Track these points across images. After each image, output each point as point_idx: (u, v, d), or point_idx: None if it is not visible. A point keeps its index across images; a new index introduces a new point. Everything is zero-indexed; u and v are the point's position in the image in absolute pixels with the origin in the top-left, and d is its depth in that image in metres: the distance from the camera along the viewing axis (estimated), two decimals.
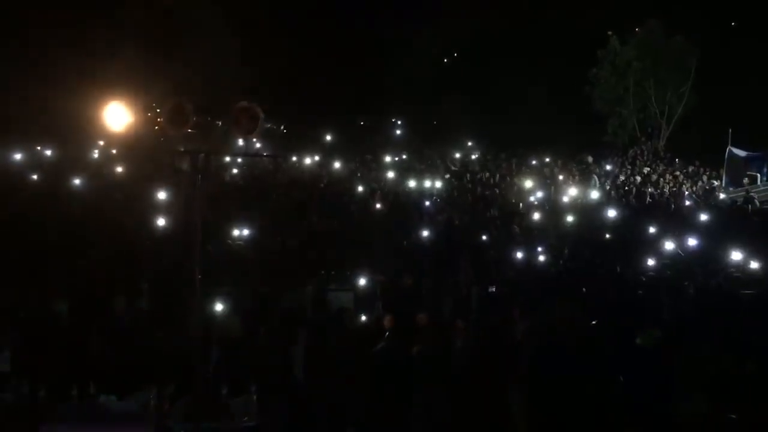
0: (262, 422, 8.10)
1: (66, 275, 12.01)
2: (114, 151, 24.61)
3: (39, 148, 25.67)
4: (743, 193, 22.64)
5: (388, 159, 28.08)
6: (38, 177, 21.16)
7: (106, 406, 8.15)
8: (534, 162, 28.60)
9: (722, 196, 23.52)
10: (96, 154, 25.65)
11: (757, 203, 21.79)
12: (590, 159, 29.72)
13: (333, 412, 8.62)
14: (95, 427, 7.83)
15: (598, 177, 25.71)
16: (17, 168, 22.76)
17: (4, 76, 24.98)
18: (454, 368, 9.12)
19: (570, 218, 18.04)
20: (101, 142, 25.11)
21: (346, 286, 12.34)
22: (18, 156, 23.99)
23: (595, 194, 22.69)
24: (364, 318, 10.98)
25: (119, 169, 22.61)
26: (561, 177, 25.75)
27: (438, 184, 22.96)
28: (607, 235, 16.59)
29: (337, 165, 25.82)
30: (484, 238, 15.68)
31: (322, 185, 22.54)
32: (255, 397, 8.40)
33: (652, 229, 16.16)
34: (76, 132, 21.26)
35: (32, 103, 23.27)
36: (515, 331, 9.93)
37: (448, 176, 25.24)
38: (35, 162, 23.87)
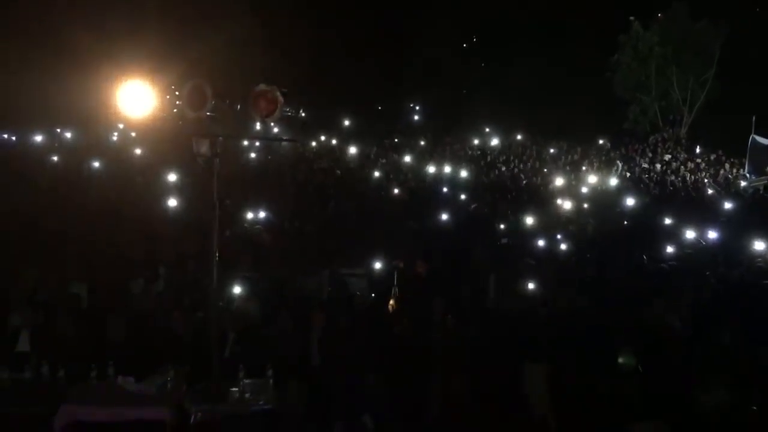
0: (279, 406, 8.11)
1: (85, 258, 12.10)
2: (133, 134, 24.74)
3: (59, 130, 25.89)
4: (766, 181, 22.31)
5: (405, 144, 28.01)
6: (58, 160, 21.34)
7: (124, 388, 8.18)
8: (553, 149, 28.38)
9: (744, 184, 23.20)
10: (115, 137, 25.83)
11: None
12: (608, 145, 29.49)
13: (349, 396, 8.61)
14: (113, 407, 7.87)
15: (621, 163, 25.46)
16: (37, 150, 22.97)
17: (23, 58, 25.10)
18: (470, 354, 9.08)
19: (590, 206, 17.89)
20: (121, 125, 25.24)
21: (361, 272, 12.31)
22: (38, 138, 24.22)
23: (614, 181, 22.49)
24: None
25: (138, 153, 22.76)
26: (581, 164, 25.57)
27: (456, 170, 22.84)
28: (628, 224, 16.45)
29: (354, 150, 25.79)
30: (502, 225, 15.61)
31: (338, 170, 22.54)
32: (271, 380, 8.40)
33: (673, 218, 15.97)
34: (95, 115, 21.34)
35: (51, 86, 23.37)
36: (534, 319, 9.87)
37: (467, 163, 25.10)
38: (55, 145, 24.08)
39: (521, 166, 25.06)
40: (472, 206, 17.81)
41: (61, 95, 23.38)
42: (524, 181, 22.52)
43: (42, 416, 7.69)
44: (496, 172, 24.30)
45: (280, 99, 6.24)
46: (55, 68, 23.22)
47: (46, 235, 13.52)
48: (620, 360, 8.64)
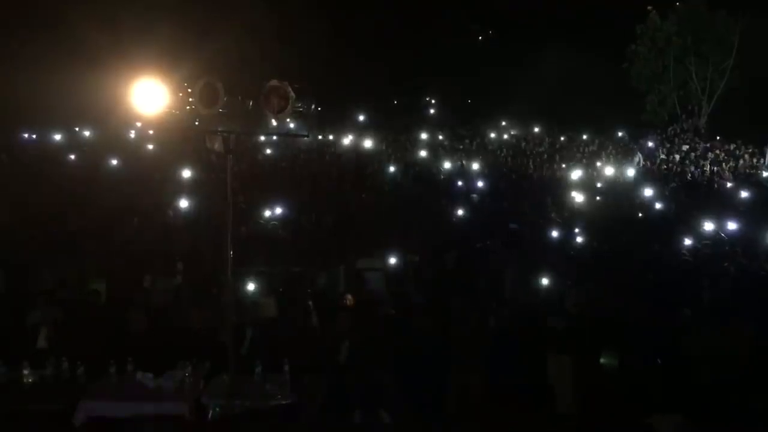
0: (296, 401, 8.15)
1: (103, 254, 12.22)
2: (150, 132, 24.94)
3: (77, 129, 26.16)
4: None
5: (422, 138, 27.96)
6: (76, 158, 21.56)
7: (143, 383, 8.26)
8: (571, 140, 28.21)
9: (765, 174, 22.94)
10: (132, 134, 26.05)
11: None
12: (626, 138, 29.27)
13: (367, 391, 8.62)
14: (132, 403, 7.96)
15: (642, 155, 25.24)
16: (56, 149, 23.22)
17: (41, 59, 25.36)
18: (489, 348, 9.06)
19: (608, 198, 17.77)
20: (138, 123, 25.46)
21: (377, 266, 12.31)
22: (57, 137, 24.49)
23: (631, 173, 22.33)
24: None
25: (155, 150, 22.94)
26: (598, 156, 25.41)
27: (473, 164, 22.78)
28: (646, 215, 16.32)
29: (370, 144, 25.78)
30: (519, 218, 15.56)
31: (354, 164, 22.58)
32: (289, 375, 8.44)
33: (691, 209, 15.83)
34: (111, 113, 21.55)
35: (69, 85, 23.60)
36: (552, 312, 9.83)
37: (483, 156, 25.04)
38: (73, 143, 24.33)
39: (537, 160, 24.90)
40: (478, 198, 17.76)
41: (79, 95, 23.59)
42: (540, 173, 22.41)
43: (62, 412, 7.79)
44: (511, 163, 24.21)
45: (292, 95, 6.27)
46: (72, 68, 23.41)
47: (65, 232, 13.68)
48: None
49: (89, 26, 24.05)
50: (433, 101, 39.50)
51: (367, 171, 21.64)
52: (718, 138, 28.49)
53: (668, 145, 27.81)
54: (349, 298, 10.56)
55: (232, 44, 23.31)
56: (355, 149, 25.64)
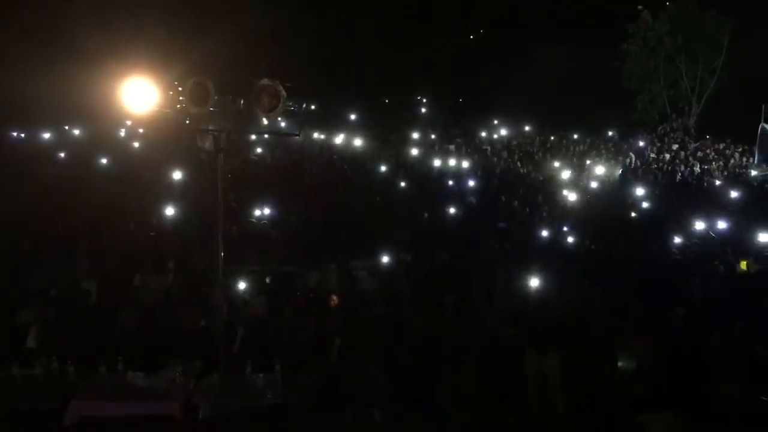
0: (287, 400, 8.13)
1: (94, 254, 12.17)
2: (140, 131, 24.85)
3: (67, 127, 26.04)
4: None
5: (413, 137, 27.95)
6: (66, 157, 21.45)
7: (133, 383, 8.23)
8: (561, 140, 28.27)
9: (754, 173, 23.05)
10: (122, 133, 25.94)
11: None
12: (617, 137, 29.37)
13: (359, 390, 8.62)
14: (122, 402, 7.92)
15: (634, 155, 25.31)
16: (46, 148, 23.09)
17: (31, 57, 25.21)
18: (480, 347, 9.08)
19: (597, 197, 17.81)
20: (128, 122, 25.36)
21: (369, 265, 12.31)
22: (47, 136, 24.37)
23: (620, 172, 22.41)
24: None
25: (145, 149, 22.85)
26: (588, 155, 25.48)
27: (464, 163, 22.79)
28: (637, 215, 16.37)
29: (361, 143, 25.76)
30: (509, 218, 15.59)
31: (346, 165, 22.55)
32: (280, 375, 8.43)
33: (682, 208, 15.89)
34: (102, 112, 21.44)
35: (59, 84, 23.48)
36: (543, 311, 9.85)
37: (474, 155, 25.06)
38: (63, 142, 24.21)
39: (527, 159, 24.94)
40: (472, 200, 17.78)
41: (69, 93, 23.48)
42: (531, 173, 22.45)
43: (52, 412, 7.75)
44: (502, 163, 24.23)
45: (283, 94, 6.25)
46: (62, 66, 23.30)
47: (56, 232, 13.62)
48: (620, 363, 8.62)
49: (79, 24, 23.92)
50: (425, 100, 39.49)
51: (358, 170, 21.63)
52: (707, 137, 28.60)
53: (658, 144, 27.89)
54: (334, 299, 10.54)
55: (223, 43, 23.23)
56: (347, 148, 25.61)
